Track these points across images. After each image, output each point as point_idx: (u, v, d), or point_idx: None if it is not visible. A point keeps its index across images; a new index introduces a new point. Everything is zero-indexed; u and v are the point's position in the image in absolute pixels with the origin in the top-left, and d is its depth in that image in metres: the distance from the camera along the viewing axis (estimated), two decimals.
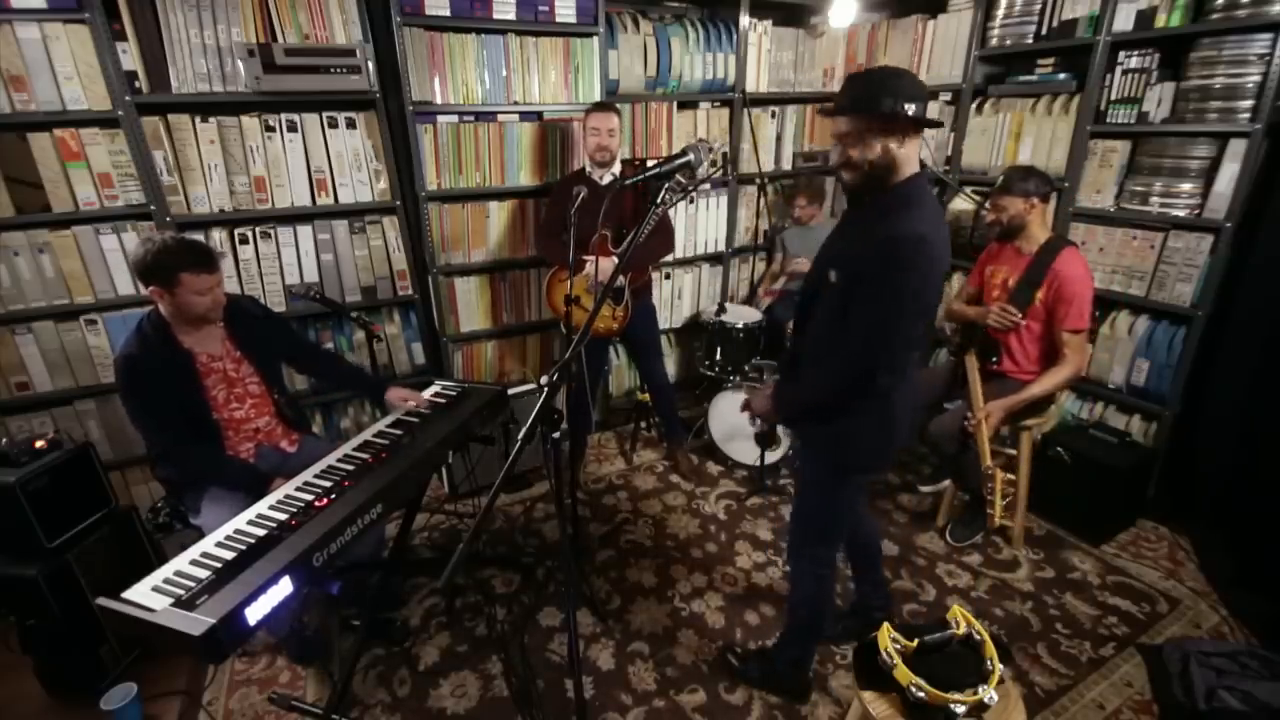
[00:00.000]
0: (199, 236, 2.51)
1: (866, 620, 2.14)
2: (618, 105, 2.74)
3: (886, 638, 1.36)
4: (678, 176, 1.58)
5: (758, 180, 3.45)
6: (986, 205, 2.53)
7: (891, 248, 1.36)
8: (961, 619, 1.40)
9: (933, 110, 3.27)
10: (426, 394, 2.18)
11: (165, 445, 1.92)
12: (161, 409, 1.86)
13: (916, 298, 1.40)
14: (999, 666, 1.31)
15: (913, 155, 1.43)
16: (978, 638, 1.37)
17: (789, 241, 3.48)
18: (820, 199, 3.48)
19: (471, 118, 2.84)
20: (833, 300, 1.51)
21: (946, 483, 2.80)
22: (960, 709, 1.23)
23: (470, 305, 3.10)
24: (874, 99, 1.37)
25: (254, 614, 1.28)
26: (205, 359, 1.96)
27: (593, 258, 2.57)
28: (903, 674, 1.30)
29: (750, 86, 3.36)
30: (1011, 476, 2.25)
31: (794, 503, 1.86)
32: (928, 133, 3.22)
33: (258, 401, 2.07)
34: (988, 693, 1.25)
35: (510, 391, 2.67)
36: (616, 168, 2.71)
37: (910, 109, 1.35)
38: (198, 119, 2.40)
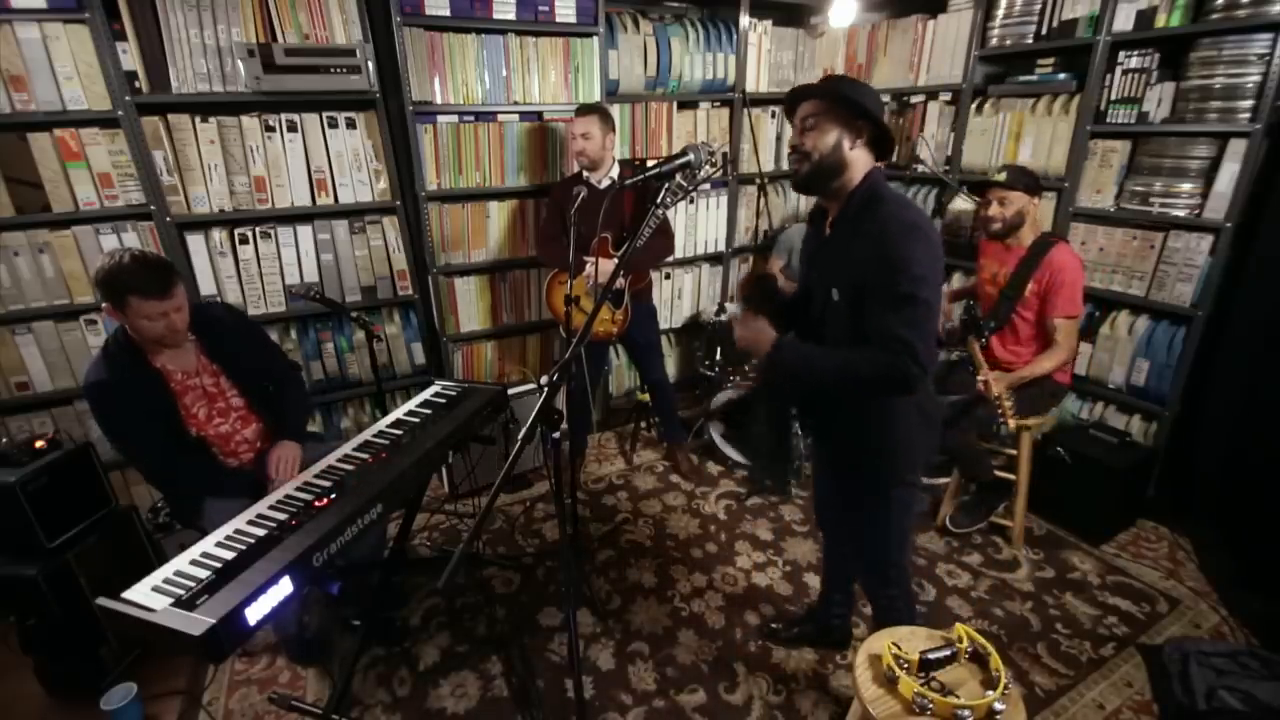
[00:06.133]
0: (199, 236, 2.52)
1: (824, 627, 2.13)
2: (605, 106, 2.70)
3: (888, 652, 1.33)
4: (678, 177, 1.57)
5: (758, 180, 3.45)
6: (980, 199, 2.54)
7: (899, 243, 1.32)
8: (965, 636, 1.39)
9: (933, 111, 3.28)
10: (426, 394, 2.17)
11: (150, 469, 1.87)
12: (139, 433, 1.77)
13: (935, 286, 1.36)
14: (1005, 673, 1.31)
15: (861, 161, 1.43)
16: (983, 653, 1.37)
17: (795, 242, 3.43)
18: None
19: (471, 118, 2.84)
20: (840, 319, 1.45)
21: (946, 480, 2.80)
22: (967, 714, 1.23)
23: (470, 305, 3.10)
24: (844, 92, 1.40)
25: (254, 614, 1.27)
26: (180, 377, 1.86)
27: (593, 259, 2.57)
28: (907, 685, 1.28)
29: (750, 86, 3.36)
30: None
31: (862, 547, 1.71)
32: (928, 132, 3.27)
33: (242, 415, 1.99)
34: (994, 698, 1.25)
35: (510, 391, 2.67)
36: (614, 169, 2.70)
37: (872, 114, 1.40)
38: (198, 119, 2.41)
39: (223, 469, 1.92)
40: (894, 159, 3.53)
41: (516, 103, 2.87)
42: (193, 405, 1.88)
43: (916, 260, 1.30)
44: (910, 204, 1.43)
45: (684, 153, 1.55)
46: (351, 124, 2.64)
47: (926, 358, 1.31)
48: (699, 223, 3.52)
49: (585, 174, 2.69)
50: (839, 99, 1.40)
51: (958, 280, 3.28)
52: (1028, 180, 2.37)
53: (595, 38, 2.91)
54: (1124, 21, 2.52)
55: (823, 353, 1.45)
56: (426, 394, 2.18)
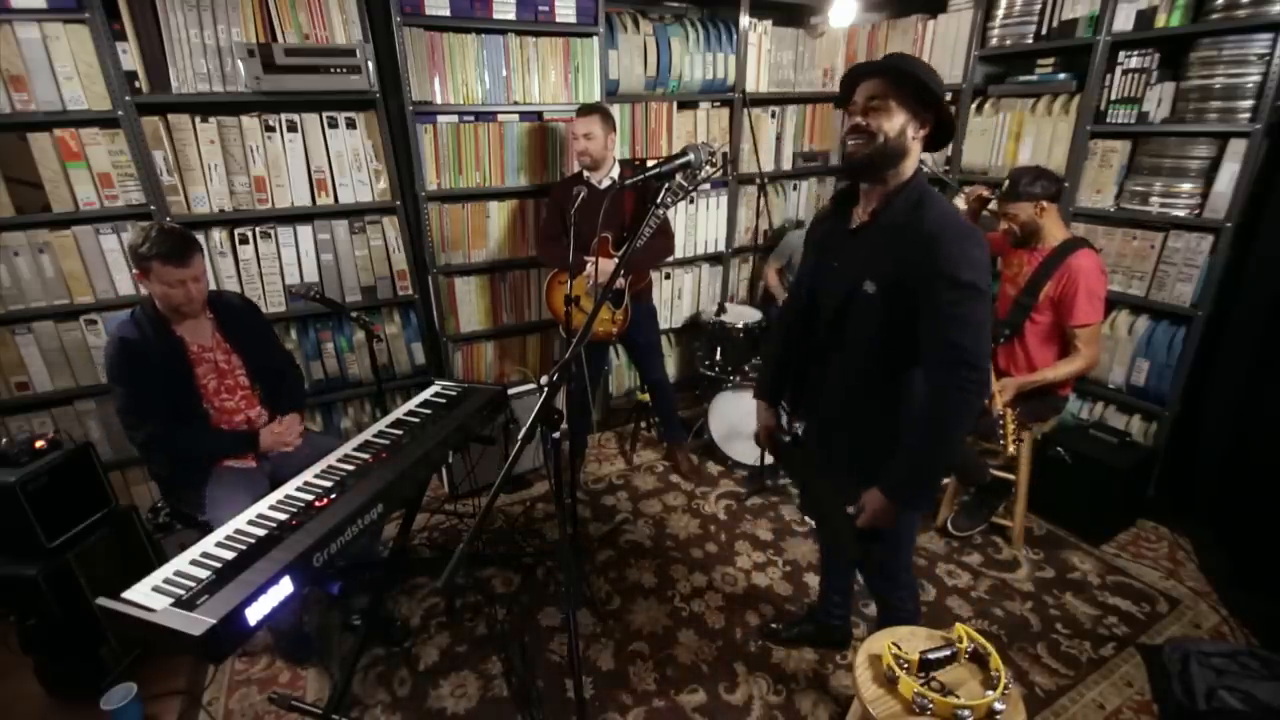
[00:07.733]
0: (199, 237, 2.52)
1: (823, 627, 2.13)
2: (606, 106, 2.69)
3: (888, 652, 1.34)
4: (678, 177, 1.57)
5: (758, 180, 3.44)
6: (992, 208, 2.53)
7: (958, 248, 1.27)
8: (965, 636, 1.39)
9: None
10: (426, 394, 2.17)
11: (152, 429, 1.93)
12: (151, 391, 1.89)
13: (988, 289, 1.31)
14: (1005, 673, 1.31)
15: (916, 154, 1.38)
16: (983, 653, 1.37)
17: (796, 247, 3.43)
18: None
19: (471, 118, 2.84)
20: (872, 310, 1.40)
21: (945, 482, 2.80)
22: (967, 714, 1.23)
23: (470, 305, 3.10)
24: (915, 73, 1.31)
25: (254, 614, 1.28)
26: (196, 348, 2.01)
27: (593, 259, 2.56)
28: (907, 685, 1.29)
29: (750, 86, 3.35)
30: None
31: (868, 548, 1.67)
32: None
33: (247, 395, 2.12)
34: (994, 698, 1.25)
35: (510, 391, 2.67)
36: (615, 169, 2.70)
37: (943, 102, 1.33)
38: (198, 119, 2.40)
39: (211, 430, 2.04)
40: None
41: (516, 103, 2.87)
42: (204, 376, 2.02)
43: (974, 265, 1.27)
44: (954, 207, 1.40)
45: (684, 153, 1.55)
46: (351, 124, 2.64)
47: (984, 361, 1.29)
48: (699, 223, 3.52)
49: (585, 174, 2.69)
50: (910, 80, 1.30)
51: None
52: (1032, 187, 2.30)
53: (595, 38, 2.91)
54: (1124, 21, 2.52)
55: (915, 450, 1.36)
56: (426, 394, 2.18)
